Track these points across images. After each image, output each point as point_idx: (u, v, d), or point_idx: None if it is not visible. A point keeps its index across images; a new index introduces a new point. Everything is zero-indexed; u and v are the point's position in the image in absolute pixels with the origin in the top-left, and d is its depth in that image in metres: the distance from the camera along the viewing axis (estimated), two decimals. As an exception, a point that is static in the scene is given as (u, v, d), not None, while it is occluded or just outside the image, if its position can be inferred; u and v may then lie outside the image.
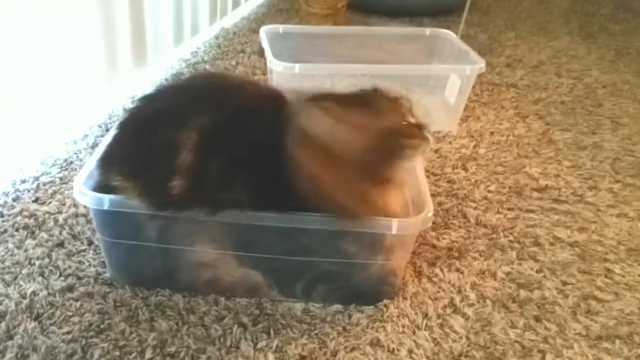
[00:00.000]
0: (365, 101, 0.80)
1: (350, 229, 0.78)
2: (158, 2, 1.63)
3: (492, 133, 1.44)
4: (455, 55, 1.52)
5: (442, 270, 0.96)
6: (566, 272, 0.98)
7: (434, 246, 1.02)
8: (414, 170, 0.90)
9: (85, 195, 0.78)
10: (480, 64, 1.37)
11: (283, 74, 1.32)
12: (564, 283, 0.95)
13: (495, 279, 0.95)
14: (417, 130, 0.80)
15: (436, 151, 1.34)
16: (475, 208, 1.14)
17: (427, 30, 1.61)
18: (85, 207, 1.04)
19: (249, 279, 0.86)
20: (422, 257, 0.99)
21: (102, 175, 0.81)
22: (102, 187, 0.79)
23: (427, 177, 1.21)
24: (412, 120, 0.81)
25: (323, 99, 0.77)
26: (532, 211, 1.14)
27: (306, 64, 1.34)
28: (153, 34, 1.62)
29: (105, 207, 0.77)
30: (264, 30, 1.52)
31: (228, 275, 0.86)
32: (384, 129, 0.77)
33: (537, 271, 0.98)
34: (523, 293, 0.92)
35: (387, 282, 0.88)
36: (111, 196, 0.77)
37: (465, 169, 1.27)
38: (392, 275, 0.88)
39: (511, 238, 1.06)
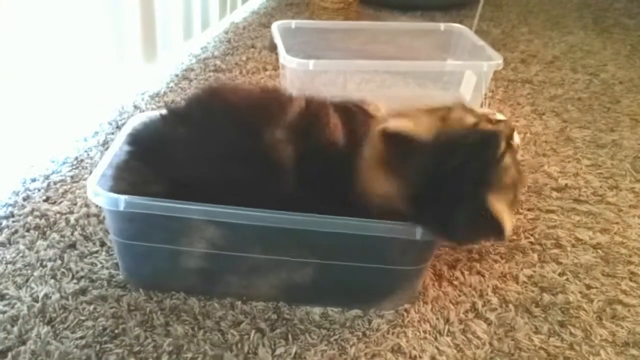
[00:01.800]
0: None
1: (373, 233, 0.76)
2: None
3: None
4: (470, 50, 1.49)
5: (462, 273, 0.94)
6: (590, 275, 0.96)
7: (453, 248, 1.00)
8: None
9: (99, 195, 0.76)
10: (498, 60, 1.35)
11: (296, 70, 1.29)
12: (588, 287, 0.93)
13: (517, 283, 0.93)
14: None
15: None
16: (494, 208, 1.11)
17: (442, 25, 1.58)
18: (97, 207, 1.02)
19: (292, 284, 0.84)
20: (442, 259, 0.96)
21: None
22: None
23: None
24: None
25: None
26: (552, 212, 1.12)
27: (320, 61, 1.31)
28: (163, 30, 1.59)
29: (121, 208, 0.75)
30: (276, 26, 1.50)
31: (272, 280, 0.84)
32: None
33: (560, 274, 0.95)
34: (546, 297, 0.90)
35: (408, 286, 0.86)
36: (127, 197, 0.75)
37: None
38: (414, 279, 0.85)
39: (532, 240, 1.03)
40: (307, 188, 0.75)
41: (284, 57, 1.30)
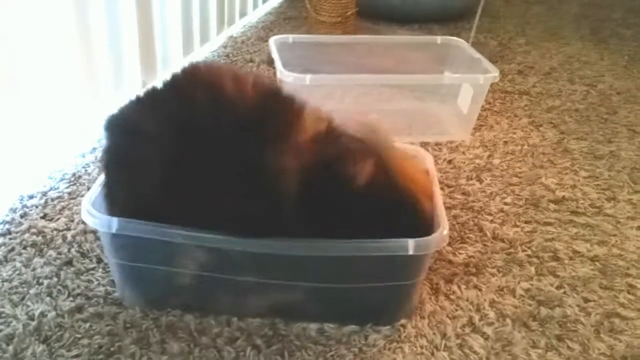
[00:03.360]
0: None
1: (366, 253, 0.75)
2: (166, 13, 1.61)
3: (506, 142, 1.41)
4: (467, 63, 1.49)
5: (459, 287, 0.93)
6: (587, 288, 0.95)
7: (450, 262, 0.99)
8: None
9: (93, 216, 0.76)
10: (494, 73, 1.35)
11: (293, 84, 1.30)
12: (586, 300, 0.93)
13: (514, 296, 0.93)
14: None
15: (450, 162, 1.32)
16: (491, 221, 1.11)
17: (439, 39, 1.59)
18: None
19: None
20: (439, 273, 0.96)
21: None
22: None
23: (442, 189, 1.19)
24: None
25: None
26: (549, 224, 1.11)
27: (317, 75, 1.32)
28: (161, 46, 1.61)
29: (114, 230, 0.75)
30: (273, 40, 1.50)
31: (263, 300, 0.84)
32: None
33: (557, 287, 0.95)
34: (544, 311, 0.90)
35: (405, 301, 0.86)
36: (119, 219, 0.75)
37: (480, 180, 1.25)
38: (410, 295, 0.85)
39: (529, 252, 1.03)
40: (309, 224, 0.73)
41: (281, 72, 1.31)
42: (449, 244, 1.03)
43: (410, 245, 0.75)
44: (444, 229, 0.78)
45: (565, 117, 1.57)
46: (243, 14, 2.23)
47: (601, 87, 1.78)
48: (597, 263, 1.01)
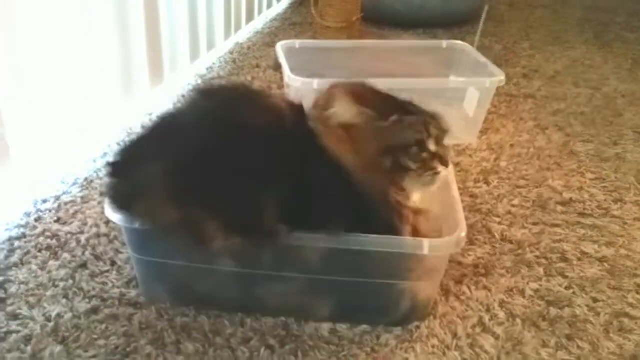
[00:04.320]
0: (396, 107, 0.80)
1: (382, 249, 0.77)
2: (174, 19, 1.63)
3: (512, 145, 1.42)
4: (473, 67, 1.51)
5: (469, 288, 0.95)
6: (596, 289, 0.96)
7: (459, 263, 1.00)
8: (449, 189, 0.90)
9: (117, 214, 0.79)
10: (500, 77, 1.36)
11: (301, 89, 1.31)
12: (595, 300, 0.94)
13: (523, 297, 0.93)
14: (426, 158, 0.80)
15: (457, 165, 1.33)
16: (499, 223, 1.12)
17: (444, 43, 1.60)
18: (107, 227, 1.04)
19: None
20: (449, 275, 0.97)
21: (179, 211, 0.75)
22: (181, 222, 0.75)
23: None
24: (432, 147, 0.81)
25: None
26: (557, 225, 1.12)
27: (325, 80, 1.33)
28: (169, 52, 1.62)
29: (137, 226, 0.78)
30: (280, 46, 1.52)
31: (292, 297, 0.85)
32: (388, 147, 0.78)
33: (566, 288, 0.96)
34: (553, 311, 0.90)
35: (419, 303, 0.87)
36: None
37: (487, 183, 1.26)
38: (425, 297, 0.86)
39: (537, 254, 1.04)
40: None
41: (289, 77, 1.33)
42: (458, 246, 1.05)
43: (425, 245, 0.76)
44: (462, 232, 0.79)
45: (571, 120, 1.58)
46: (250, 19, 2.25)
47: (606, 90, 1.80)
48: (605, 264, 1.02)
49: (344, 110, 0.77)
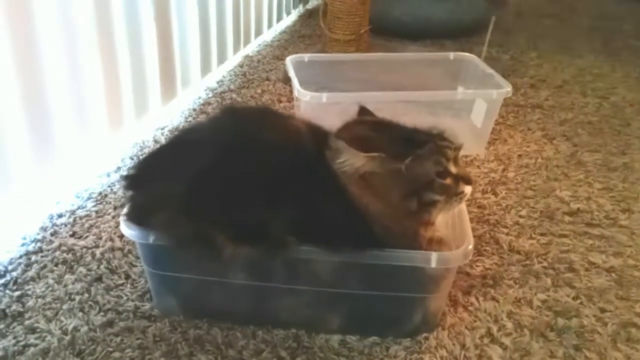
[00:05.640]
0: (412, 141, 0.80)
1: (391, 262, 0.78)
2: (186, 36, 1.66)
3: (520, 156, 1.43)
4: (480, 78, 1.52)
5: (477, 299, 0.96)
6: (604, 299, 0.97)
7: (467, 274, 1.02)
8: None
9: (131, 230, 0.81)
10: (507, 88, 1.38)
11: (310, 103, 1.33)
12: (602, 310, 0.94)
13: (531, 307, 0.95)
14: (451, 185, 0.81)
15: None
16: (507, 234, 1.13)
17: (451, 55, 1.62)
18: (122, 241, 1.06)
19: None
20: (457, 285, 0.98)
21: (191, 223, 0.77)
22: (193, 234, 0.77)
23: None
24: (453, 170, 0.82)
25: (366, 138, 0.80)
26: (565, 236, 1.13)
27: (333, 93, 1.35)
28: (181, 68, 1.65)
29: (150, 241, 0.80)
30: (289, 59, 1.54)
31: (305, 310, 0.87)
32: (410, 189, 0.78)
33: (574, 298, 0.97)
34: (561, 321, 0.91)
35: (428, 315, 0.88)
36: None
37: (495, 194, 1.27)
38: (433, 308, 0.88)
39: (545, 264, 1.05)
40: None
41: (298, 91, 1.35)
42: (466, 257, 1.06)
43: (434, 258, 0.77)
44: (469, 244, 0.80)
45: (578, 129, 1.59)
46: (259, 33, 2.28)
47: (614, 99, 1.80)
48: (613, 274, 1.03)
49: (354, 160, 0.77)
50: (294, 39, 2.36)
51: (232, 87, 1.82)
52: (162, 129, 1.50)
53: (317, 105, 1.34)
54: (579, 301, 0.96)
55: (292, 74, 1.45)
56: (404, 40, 2.32)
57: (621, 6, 3.04)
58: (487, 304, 0.95)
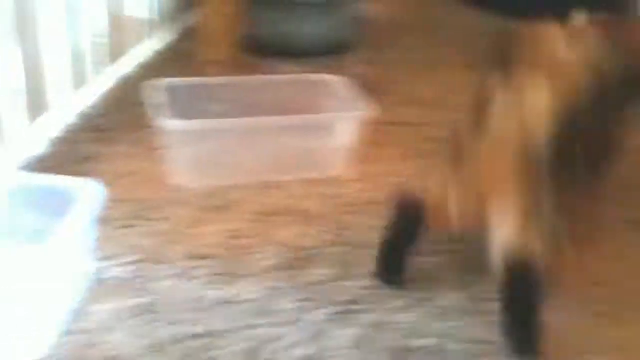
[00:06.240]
0: None
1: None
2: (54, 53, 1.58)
3: (387, 175, 1.47)
4: (347, 99, 1.54)
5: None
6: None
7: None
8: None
9: None
10: (372, 109, 1.41)
11: (174, 132, 1.31)
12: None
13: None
14: None
15: (331, 197, 1.36)
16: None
17: (319, 76, 1.64)
18: None
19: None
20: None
21: None
22: None
23: (321, 224, 1.24)
24: None
25: None
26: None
27: (195, 121, 1.34)
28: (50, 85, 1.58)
29: None
30: (158, 84, 1.50)
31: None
32: None
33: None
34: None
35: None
36: None
37: (361, 214, 1.30)
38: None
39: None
40: None
41: (163, 119, 1.31)
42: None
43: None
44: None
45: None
46: (128, 53, 2.20)
47: (478, 114, 1.89)
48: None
49: None
50: (166, 62, 2.27)
51: (101, 112, 1.75)
52: (24, 155, 1.42)
53: (183, 132, 1.32)
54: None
55: (159, 99, 1.41)
56: (278, 59, 2.32)
57: (490, 22, 3.19)
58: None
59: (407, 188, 1.08)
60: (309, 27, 2.35)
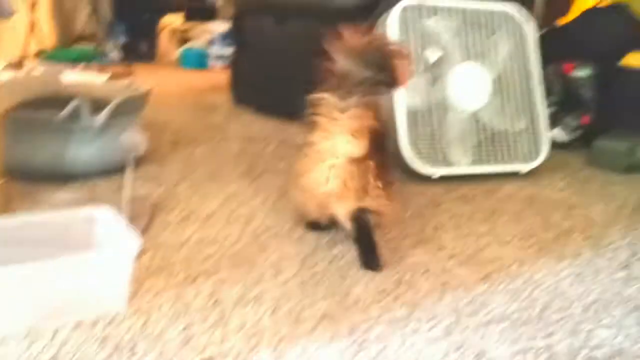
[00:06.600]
0: None
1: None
2: None
3: (160, 306, 1.45)
4: (114, 232, 1.52)
5: None
6: None
7: None
8: None
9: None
10: (136, 245, 1.40)
11: None
12: None
13: None
14: None
15: (105, 339, 1.31)
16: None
17: (87, 213, 1.60)
18: None
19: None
20: None
21: None
22: None
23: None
24: None
25: None
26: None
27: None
28: None
29: None
30: None
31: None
32: None
33: None
34: None
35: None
36: None
37: (134, 353, 1.26)
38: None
39: None
40: None
41: None
42: None
43: None
44: None
45: (221, 263, 1.70)
46: None
47: (254, 226, 1.98)
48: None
49: None
50: None
51: None
52: None
53: None
54: None
55: None
56: (51, 184, 2.23)
57: (267, 127, 3.41)
58: None
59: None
60: (86, 151, 2.31)
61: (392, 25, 2.57)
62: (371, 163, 1.61)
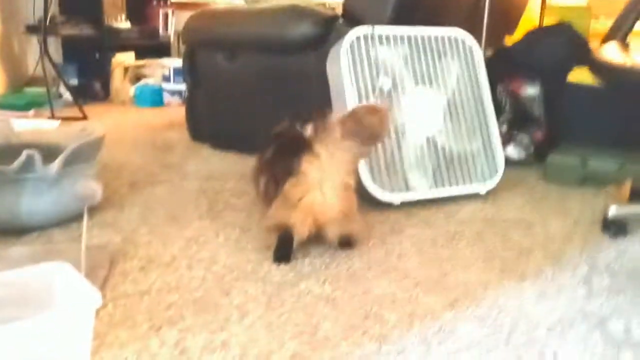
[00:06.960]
0: None
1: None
2: None
3: (125, 359, 1.42)
4: (73, 287, 1.47)
5: None
6: None
7: None
8: None
9: None
10: (96, 299, 1.36)
11: None
12: None
13: None
14: None
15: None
16: None
17: (39, 268, 1.54)
18: None
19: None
20: None
21: None
22: None
23: None
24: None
25: None
26: None
27: None
28: None
29: None
30: None
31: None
32: None
33: None
34: None
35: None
36: None
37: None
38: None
39: None
40: None
41: None
42: None
43: None
44: None
45: (184, 311, 1.66)
46: None
47: (216, 268, 1.95)
48: None
49: None
50: None
51: None
52: None
53: None
54: None
55: None
56: (7, 238, 2.17)
57: (225, 162, 3.39)
58: None
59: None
60: (40, 202, 2.24)
61: (343, 55, 2.60)
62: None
